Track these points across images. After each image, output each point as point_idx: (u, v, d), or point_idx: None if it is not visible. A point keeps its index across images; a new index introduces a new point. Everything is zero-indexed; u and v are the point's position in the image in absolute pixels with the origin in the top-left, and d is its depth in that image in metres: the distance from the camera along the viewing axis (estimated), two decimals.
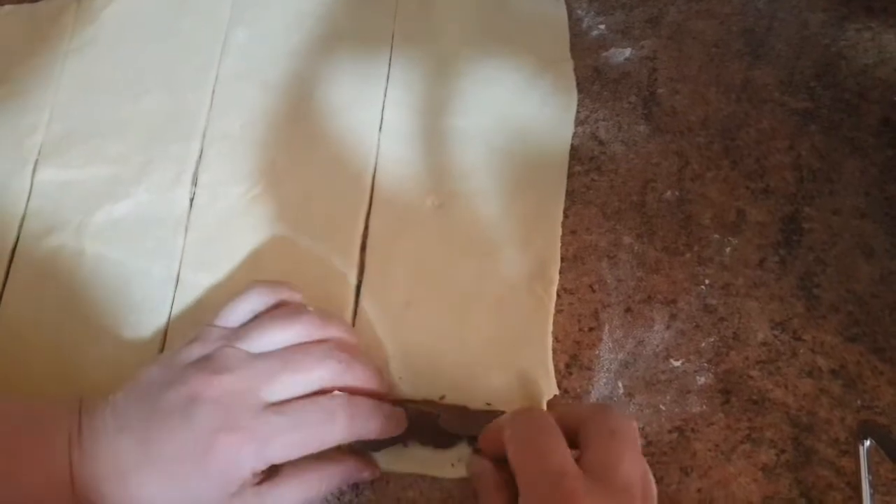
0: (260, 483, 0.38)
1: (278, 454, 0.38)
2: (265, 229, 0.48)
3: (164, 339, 0.46)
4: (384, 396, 0.42)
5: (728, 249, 0.47)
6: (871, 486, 0.40)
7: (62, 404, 0.40)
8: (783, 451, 0.43)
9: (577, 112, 0.51)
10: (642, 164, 0.50)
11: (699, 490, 0.42)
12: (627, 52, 0.53)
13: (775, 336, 0.45)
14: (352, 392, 0.40)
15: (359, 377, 0.41)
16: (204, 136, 0.50)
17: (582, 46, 0.53)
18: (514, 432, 0.37)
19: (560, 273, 0.46)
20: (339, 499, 0.42)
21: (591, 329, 0.45)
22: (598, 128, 0.51)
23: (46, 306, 0.46)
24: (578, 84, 0.52)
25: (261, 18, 0.54)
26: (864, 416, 0.43)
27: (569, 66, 0.52)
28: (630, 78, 0.52)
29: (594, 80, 0.52)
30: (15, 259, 0.48)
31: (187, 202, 0.49)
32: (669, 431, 0.43)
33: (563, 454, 0.35)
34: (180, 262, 0.47)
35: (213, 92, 0.52)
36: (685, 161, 0.50)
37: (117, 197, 0.48)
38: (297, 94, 0.51)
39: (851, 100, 0.51)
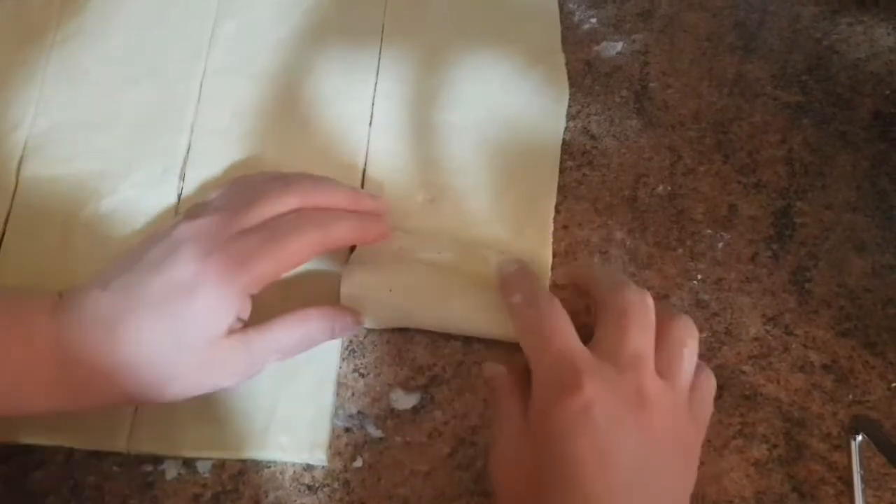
0: (245, 329, 0.39)
1: (261, 269, 0.39)
2: None
3: None
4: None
5: (720, 244, 0.47)
6: (863, 480, 0.40)
7: (39, 292, 0.40)
8: (775, 446, 0.43)
9: (569, 106, 0.51)
10: (634, 158, 0.49)
11: None
12: (619, 45, 0.53)
13: (767, 331, 0.45)
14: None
15: (330, 194, 0.42)
16: (192, 129, 0.50)
17: (573, 40, 0.53)
18: (521, 313, 0.39)
19: (552, 268, 0.46)
20: (329, 496, 0.42)
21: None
22: (589, 122, 0.50)
23: None
24: (570, 78, 0.51)
25: (249, 10, 0.53)
26: (856, 411, 0.43)
27: (560, 59, 0.52)
28: (622, 72, 0.52)
29: (586, 74, 0.52)
30: (0, 256, 0.47)
31: (175, 197, 0.48)
32: None
33: (569, 335, 0.38)
34: None
35: (201, 84, 0.51)
36: (677, 155, 0.49)
37: (104, 192, 0.48)
38: (286, 87, 0.51)
39: (843, 94, 0.51)
